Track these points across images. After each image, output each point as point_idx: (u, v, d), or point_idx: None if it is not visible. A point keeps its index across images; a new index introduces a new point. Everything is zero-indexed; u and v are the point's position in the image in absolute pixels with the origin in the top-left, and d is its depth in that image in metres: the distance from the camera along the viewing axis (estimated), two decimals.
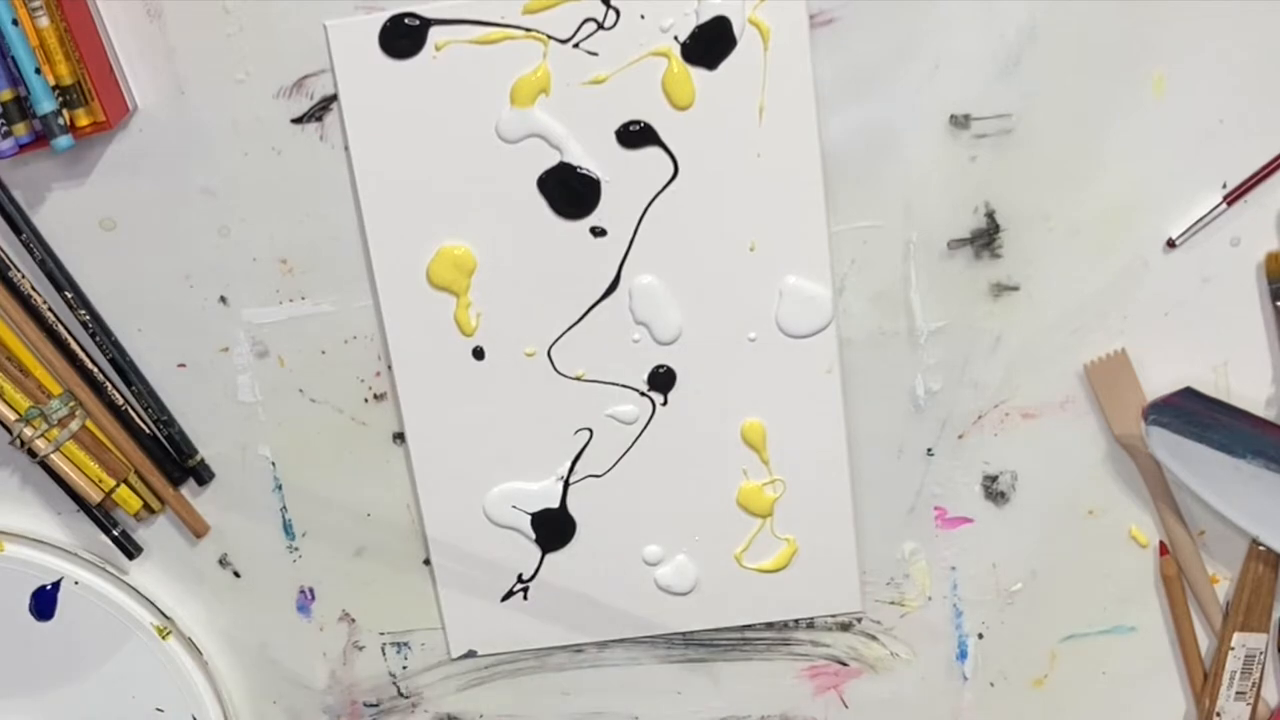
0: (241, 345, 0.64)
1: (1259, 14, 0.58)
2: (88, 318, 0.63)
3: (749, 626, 0.68)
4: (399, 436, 0.65)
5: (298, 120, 0.61)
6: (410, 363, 0.63)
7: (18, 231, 0.62)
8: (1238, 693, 0.65)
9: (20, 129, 0.58)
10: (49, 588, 0.66)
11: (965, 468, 0.65)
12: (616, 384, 0.64)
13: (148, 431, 0.65)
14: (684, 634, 0.68)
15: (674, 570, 0.66)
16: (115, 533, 0.66)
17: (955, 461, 0.65)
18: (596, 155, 0.60)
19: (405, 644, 0.69)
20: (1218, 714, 0.66)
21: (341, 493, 0.66)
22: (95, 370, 0.64)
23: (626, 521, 0.65)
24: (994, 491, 0.65)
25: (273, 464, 0.66)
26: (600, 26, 0.58)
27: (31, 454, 0.63)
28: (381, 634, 0.69)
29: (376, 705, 0.70)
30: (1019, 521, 0.65)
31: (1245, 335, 0.62)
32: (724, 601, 0.67)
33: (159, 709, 0.68)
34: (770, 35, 0.58)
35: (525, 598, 0.67)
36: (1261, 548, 0.64)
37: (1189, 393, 0.62)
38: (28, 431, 0.63)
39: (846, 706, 0.69)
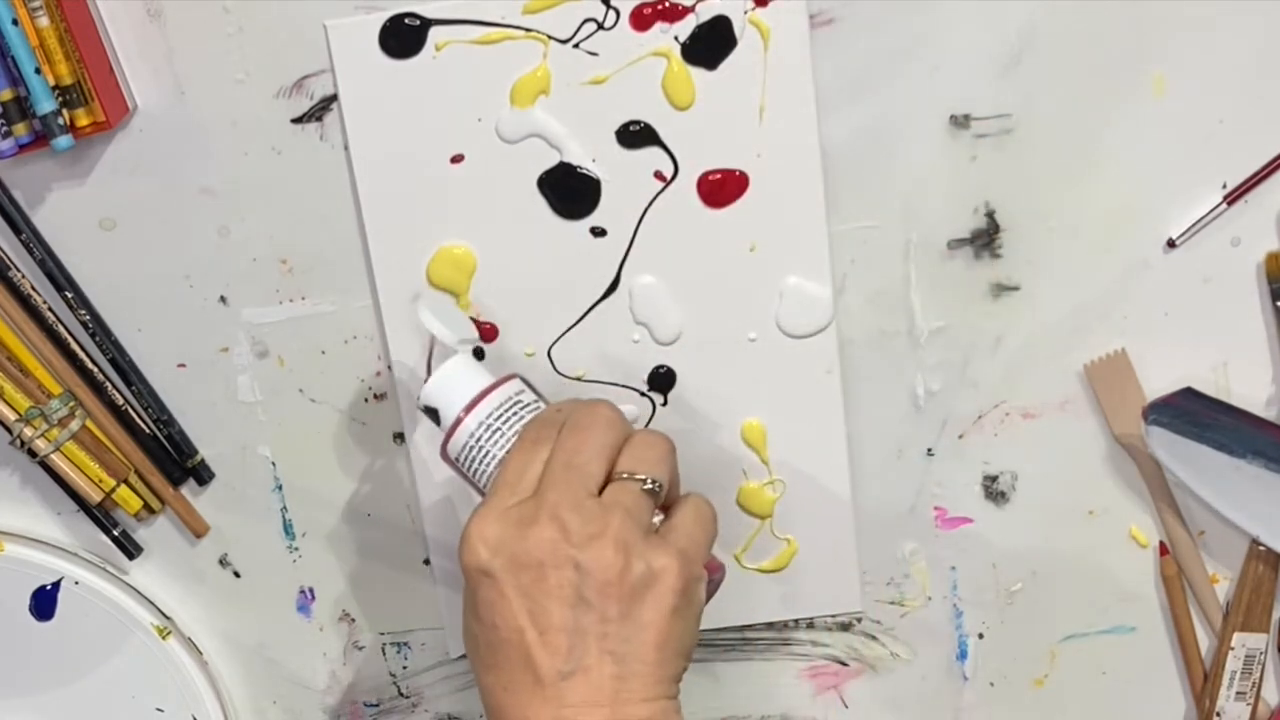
0: (241, 345, 0.64)
1: (1259, 14, 0.58)
2: (88, 318, 0.63)
3: (749, 626, 0.68)
4: (399, 436, 0.65)
5: (298, 120, 0.61)
6: (410, 363, 0.63)
7: (18, 231, 0.62)
8: (1238, 693, 0.65)
9: (20, 129, 0.58)
10: (49, 588, 0.66)
11: (965, 468, 0.65)
12: (616, 384, 0.64)
13: (148, 431, 0.65)
14: None
15: None
16: (115, 533, 0.66)
17: (955, 461, 0.65)
18: (596, 155, 0.60)
19: (405, 644, 0.69)
20: (1218, 714, 0.66)
21: (341, 493, 0.66)
22: (95, 370, 0.64)
23: None
24: (994, 491, 0.65)
25: (273, 464, 0.66)
26: (600, 26, 0.58)
27: (31, 454, 0.63)
28: (381, 634, 0.69)
29: (376, 705, 0.70)
30: (1019, 521, 0.65)
31: (1245, 335, 0.62)
32: (723, 601, 0.66)
33: (159, 709, 0.68)
34: (770, 35, 0.58)
35: None
36: (1261, 548, 0.64)
37: (1189, 393, 0.62)
38: (28, 431, 0.63)
39: (846, 706, 0.69)
